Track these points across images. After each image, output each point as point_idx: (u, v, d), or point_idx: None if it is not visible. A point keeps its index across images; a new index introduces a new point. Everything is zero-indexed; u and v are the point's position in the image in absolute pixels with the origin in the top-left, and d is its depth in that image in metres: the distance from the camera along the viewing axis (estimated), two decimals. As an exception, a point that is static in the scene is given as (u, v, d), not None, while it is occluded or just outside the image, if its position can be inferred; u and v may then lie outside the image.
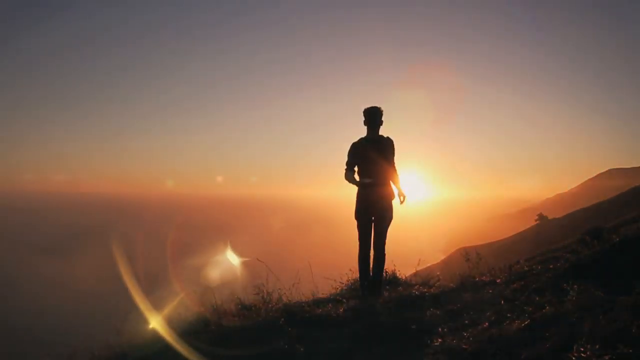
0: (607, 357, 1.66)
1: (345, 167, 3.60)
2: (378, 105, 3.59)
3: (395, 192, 3.60)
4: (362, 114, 3.59)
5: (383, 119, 3.58)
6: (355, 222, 3.64)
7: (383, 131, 3.61)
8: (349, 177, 3.60)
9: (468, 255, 4.06)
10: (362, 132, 3.63)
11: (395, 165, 3.56)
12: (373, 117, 3.56)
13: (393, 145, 3.55)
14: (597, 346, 1.74)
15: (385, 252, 3.59)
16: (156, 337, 2.74)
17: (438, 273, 4.15)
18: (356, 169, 3.61)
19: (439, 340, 2.29)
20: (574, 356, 1.73)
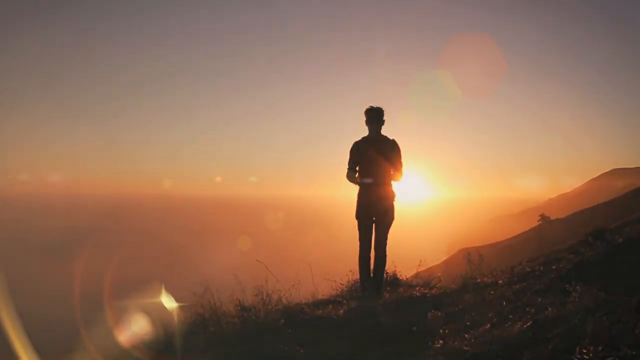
0: (610, 359, 1.64)
1: (347, 166, 3.59)
2: (379, 106, 3.59)
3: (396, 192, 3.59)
4: (364, 113, 3.59)
5: (385, 118, 3.58)
6: (356, 223, 3.63)
7: (385, 131, 3.60)
8: (350, 176, 3.60)
9: (470, 256, 4.04)
10: (363, 131, 3.63)
11: (402, 166, 3.53)
12: (374, 116, 3.55)
13: (397, 147, 3.54)
14: (600, 348, 1.72)
15: (386, 253, 3.58)
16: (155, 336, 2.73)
17: (439, 274, 4.13)
18: (358, 168, 3.61)
19: (441, 341, 2.27)
20: (577, 358, 1.71)
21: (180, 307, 2.92)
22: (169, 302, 2.89)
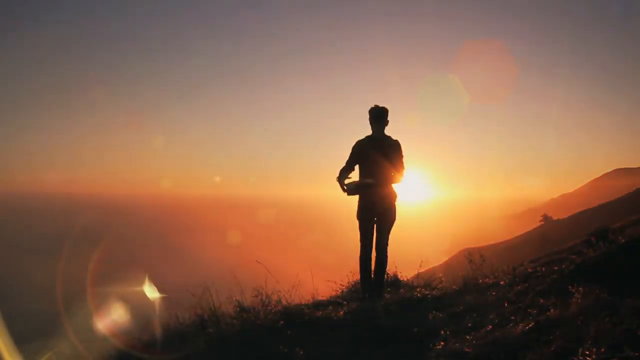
0: (613, 361, 1.62)
1: (345, 164, 3.51)
2: (384, 105, 3.55)
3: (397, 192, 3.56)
4: (368, 113, 3.56)
5: (389, 118, 3.55)
6: (356, 223, 3.61)
7: (388, 130, 3.57)
8: (341, 176, 3.48)
9: (471, 256, 4.01)
10: (366, 130, 3.59)
11: (403, 168, 3.50)
12: (378, 116, 3.51)
13: (399, 147, 3.51)
14: (602, 349, 1.70)
15: (387, 253, 3.55)
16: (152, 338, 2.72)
17: (440, 275, 4.11)
18: (357, 168, 3.57)
19: (442, 343, 2.25)
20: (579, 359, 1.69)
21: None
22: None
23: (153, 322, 2.71)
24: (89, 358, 2.44)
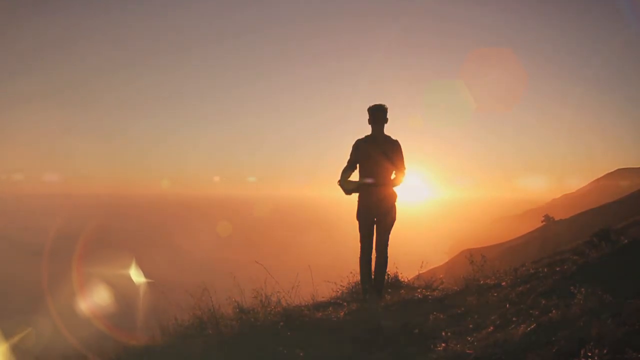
0: (615, 363, 1.60)
1: (346, 164, 3.51)
2: (383, 103, 3.53)
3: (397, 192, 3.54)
4: (367, 111, 3.54)
5: (388, 117, 3.53)
6: (356, 223, 3.59)
7: (387, 130, 3.55)
8: (342, 176, 3.48)
9: (472, 257, 3.99)
10: (365, 129, 3.58)
11: (404, 168, 3.48)
12: (378, 115, 3.49)
13: (399, 147, 3.49)
14: (605, 350, 1.69)
15: (388, 254, 3.54)
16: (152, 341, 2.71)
17: (441, 276, 4.10)
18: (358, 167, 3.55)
19: (443, 344, 2.24)
20: (582, 361, 1.67)
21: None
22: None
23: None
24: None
